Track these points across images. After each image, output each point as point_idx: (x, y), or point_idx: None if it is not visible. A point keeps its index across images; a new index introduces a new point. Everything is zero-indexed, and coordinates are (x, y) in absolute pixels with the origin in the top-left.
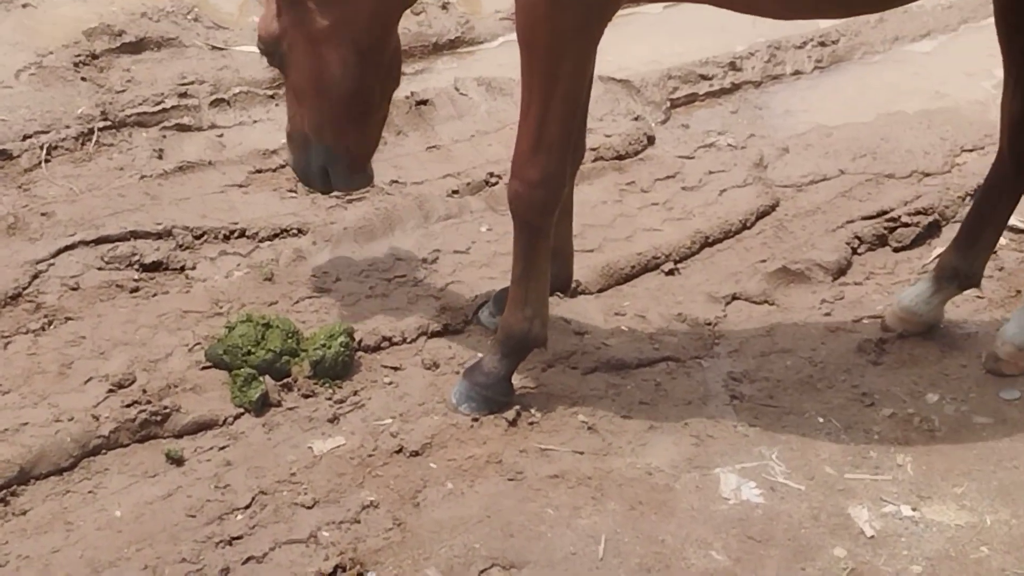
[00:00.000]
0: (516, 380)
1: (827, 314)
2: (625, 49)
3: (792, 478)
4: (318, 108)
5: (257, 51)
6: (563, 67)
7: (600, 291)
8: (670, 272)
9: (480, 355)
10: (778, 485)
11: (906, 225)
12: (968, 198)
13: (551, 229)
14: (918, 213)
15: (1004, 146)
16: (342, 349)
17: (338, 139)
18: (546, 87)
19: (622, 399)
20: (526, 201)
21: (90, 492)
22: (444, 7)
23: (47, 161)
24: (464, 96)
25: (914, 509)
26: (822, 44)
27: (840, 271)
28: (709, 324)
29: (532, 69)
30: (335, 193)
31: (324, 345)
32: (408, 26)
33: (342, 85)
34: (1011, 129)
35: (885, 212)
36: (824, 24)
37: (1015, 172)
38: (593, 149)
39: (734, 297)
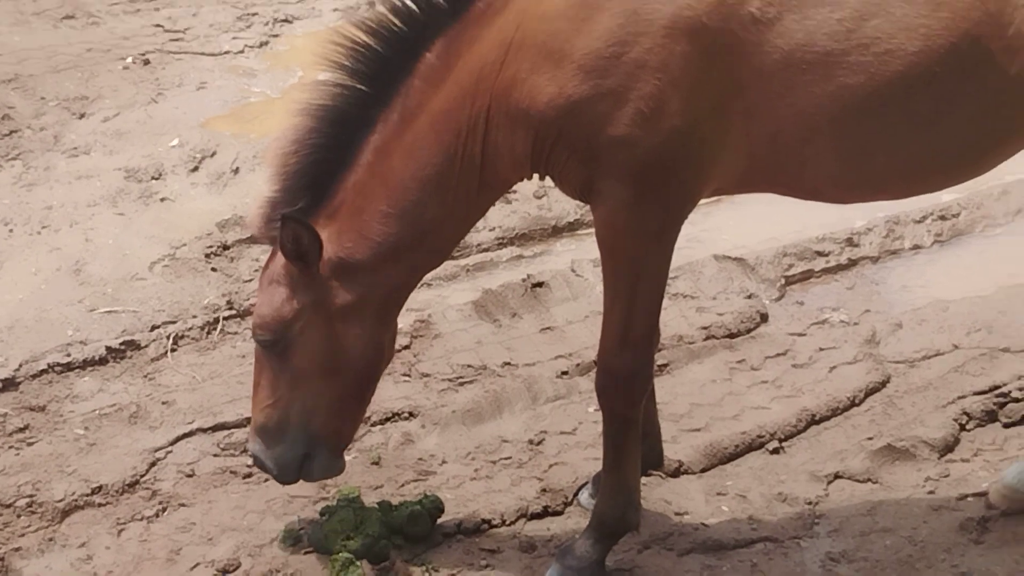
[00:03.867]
0: (611, 561)
1: (931, 492)
2: (741, 227)
3: None
4: (322, 391)
5: None
6: (646, 267)
7: (703, 471)
8: (775, 451)
9: (576, 537)
10: None
11: (1017, 400)
12: None
13: (640, 418)
14: None
15: None
16: (421, 508)
17: (331, 423)
18: (629, 288)
19: None
20: (614, 394)
21: None
22: None
23: (173, 350)
24: (580, 277)
25: None
26: (942, 218)
27: (947, 448)
28: (810, 503)
29: (615, 272)
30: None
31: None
32: (529, 210)
33: (361, 361)
34: None
35: (997, 387)
36: (945, 197)
37: None
38: (705, 328)
39: (837, 476)
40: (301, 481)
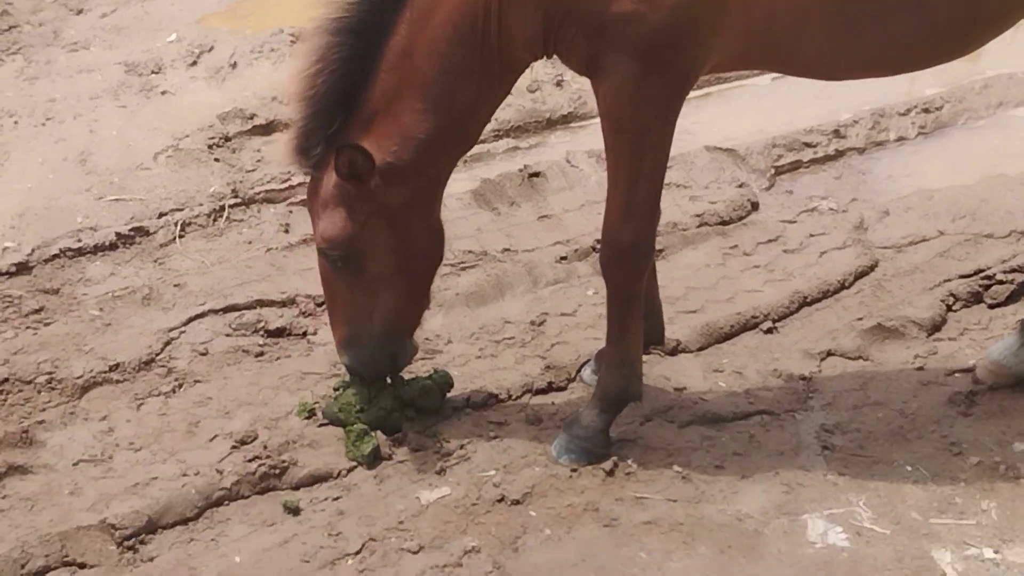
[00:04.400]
0: (614, 433)
1: (920, 368)
2: (732, 120)
3: (878, 523)
4: (400, 287)
5: None
6: (649, 141)
7: (700, 349)
8: (769, 331)
9: (581, 409)
10: (864, 530)
11: (1001, 283)
12: None
13: (642, 291)
14: (1014, 271)
15: None
16: (431, 383)
17: (409, 313)
18: (633, 160)
19: (716, 450)
20: (618, 266)
21: (212, 540)
22: (559, 84)
23: (181, 236)
24: (575, 168)
25: (996, 552)
26: (926, 111)
27: (934, 327)
28: (804, 379)
29: (619, 145)
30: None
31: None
32: (523, 103)
33: (428, 248)
34: None
35: (982, 271)
36: (929, 91)
37: None
38: (698, 215)
39: (829, 353)
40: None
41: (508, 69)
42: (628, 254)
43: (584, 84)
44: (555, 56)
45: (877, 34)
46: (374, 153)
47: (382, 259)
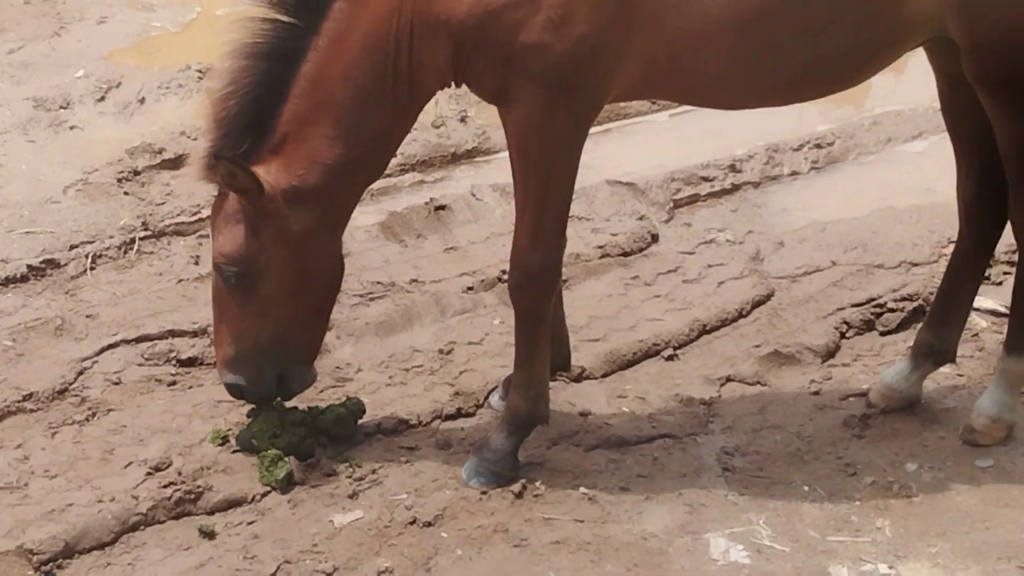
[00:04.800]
0: (523, 457)
1: (815, 393)
2: (632, 155)
3: (778, 541)
4: (292, 312)
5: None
6: (556, 167)
7: (604, 376)
8: (670, 358)
9: (490, 432)
10: (764, 548)
11: (892, 311)
12: None
13: (549, 315)
14: (904, 299)
15: (962, 227)
16: (345, 411)
17: (303, 339)
18: (541, 187)
19: (621, 473)
20: (527, 291)
21: (129, 564)
22: (463, 120)
23: (92, 268)
24: (480, 201)
25: (891, 567)
26: (818, 146)
27: (829, 354)
28: (704, 403)
29: (528, 173)
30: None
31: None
32: (428, 138)
33: (326, 276)
34: (966, 211)
35: (873, 299)
36: (820, 128)
37: (974, 252)
38: (600, 247)
39: (728, 379)
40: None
41: (417, 97)
42: (536, 278)
43: (488, 120)
44: (464, 86)
45: (773, 64)
46: (281, 175)
47: (277, 281)
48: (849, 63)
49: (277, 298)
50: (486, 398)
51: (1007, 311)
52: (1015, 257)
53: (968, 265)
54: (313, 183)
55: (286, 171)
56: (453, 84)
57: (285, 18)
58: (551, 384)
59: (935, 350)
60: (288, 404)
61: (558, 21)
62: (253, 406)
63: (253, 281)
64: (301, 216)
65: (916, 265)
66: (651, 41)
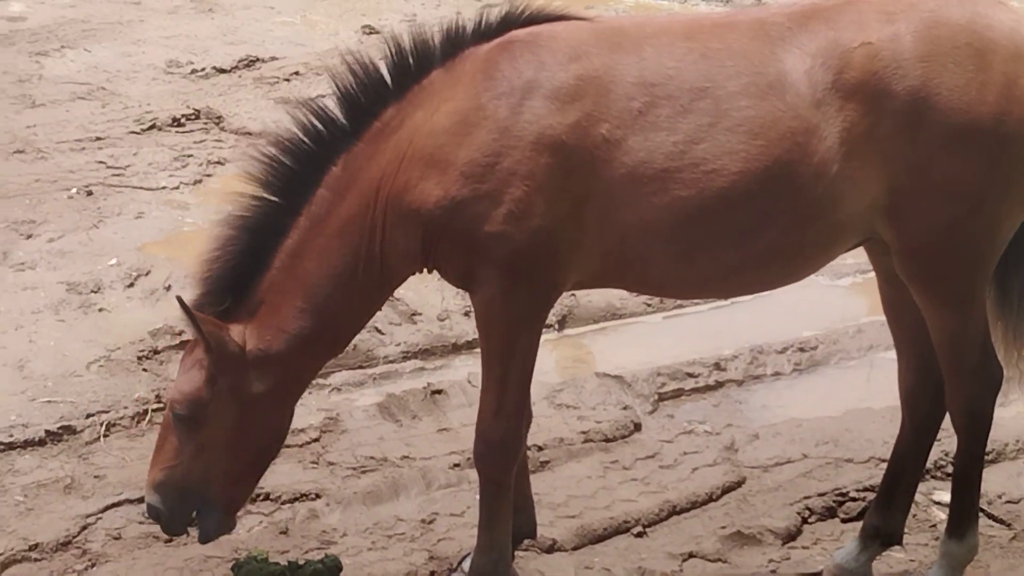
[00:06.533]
0: None
1: (773, 571)
2: (624, 352)
3: None
4: (224, 462)
5: None
6: (517, 346)
7: (574, 548)
8: (639, 534)
9: None
10: None
11: (854, 499)
12: None
13: (511, 482)
14: (867, 490)
15: (904, 416)
16: (323, 567)
17: (228, 490)
18: (503, 364)
19: None
20: (489, 459)
21: None
22: (466, 314)
23: (106, 436)
24: (476, 387)
25: None
26: (802, 350)
27: (790, 536)
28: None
29: (490, 350)
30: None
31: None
32: (432, 329)
33: (265, 440)
34: (907, 401)
35: (838, 489)
36: (806, 333)
37: (915, 438)
38: (584, 432)
39: (691, 555)
40: (205, 542)
41: (387, 280)
42: (498, 448)
43: None
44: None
45: (708, 260)
46: (250, 338)
47: (218, 432)
48: (781, 262)
49: (213, 447)
50: (459, 563)
51: None
52: None
53: (910, 451)
54: (277, 350)
55: (256, 335)
56: (425, 270)
57: (272, 198)
58: (521, 555)
59: (882, 532)
60: (271, 560)
61: (518, 214)
62: (234, 561)
63: (195, 426)
64: (258, 380)
65: (884, 461)
66: (604, 235)
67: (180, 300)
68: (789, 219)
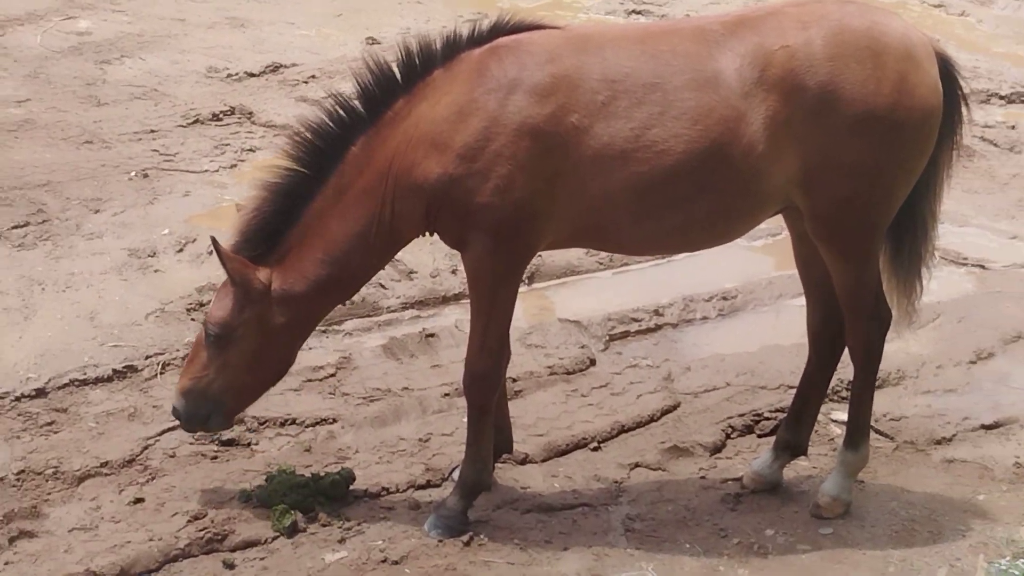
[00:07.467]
0: (472, 516)
1: (703, 477)
2: (581, 302)
3: None
4: (241, 379)
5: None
6: (499, 295)
7: (543, 461)
8: (594, 449)
9: (446, 496)
10: None
11: (768, 419)
12: None
13: (493, 406)
14: (778, 411)
15: (811, 351)
16: (339, 478)
17: (239, 400)
18: (488, 309)
19: (547, 530)
20: (474, 388)
21: None
22: (454, 272)
23: (162, 373)
24: (462, 331)
25: None
26: (724, 298)
27: (716, 449)
28: (616, 482)
29: (478, 298)
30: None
31: (330, 474)
32: (425, 284)
33: (277, 365)
34: (812, 337)
35: (755, 411)
36: (728, 284)
37: (819, 368)
38: (550, 367)
39: (637, 465)
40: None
41: (395, 241)
42: (483, 379)
43: None
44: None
45: (659, 223)
46: (276, 279)
47: (240, 353)
48: (716, 225)
49: (235, 365)
50: (450, 473)
51: None
52: None
53: (815, 379)
54: (298, 291)
55: (280, 277)
56: (426, 233)
57: (302, 170)
58: (499, 466)
59: (790, 445)
60: (297, 472)
61: (503, 188)
62: (267, 474)
63: (224, 345)
64: (280, 314)
65: (793, 387)
66: (574, 205)
67: (213, 240)
68: (723, 189)
